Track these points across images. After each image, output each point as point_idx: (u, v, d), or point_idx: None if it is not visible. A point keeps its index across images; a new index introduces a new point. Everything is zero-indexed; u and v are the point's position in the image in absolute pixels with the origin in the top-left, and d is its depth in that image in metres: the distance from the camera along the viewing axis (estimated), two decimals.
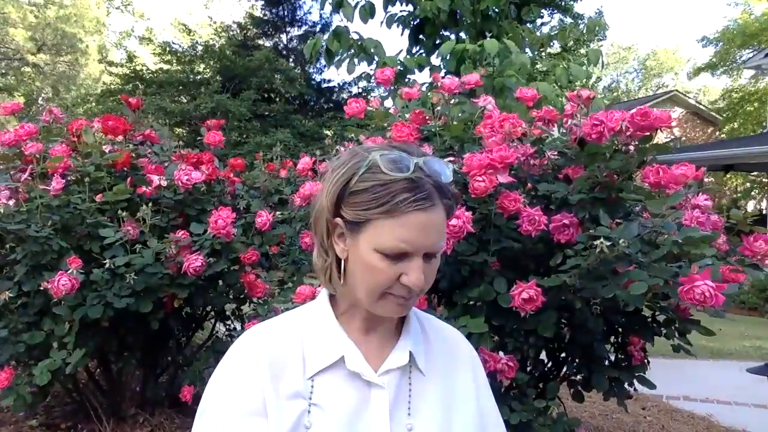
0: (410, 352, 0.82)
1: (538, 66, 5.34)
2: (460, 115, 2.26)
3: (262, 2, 16.82)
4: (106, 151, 2.66)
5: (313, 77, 16.56)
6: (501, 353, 1.69)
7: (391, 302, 0.77)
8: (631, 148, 1.77)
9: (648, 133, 1.72)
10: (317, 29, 16.02)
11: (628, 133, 1.71)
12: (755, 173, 15.50)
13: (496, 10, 4.30)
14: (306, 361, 0.79)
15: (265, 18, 16.97)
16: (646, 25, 63.85)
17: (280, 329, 0.83)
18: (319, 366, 0.78)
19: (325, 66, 15.68)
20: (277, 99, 15.38)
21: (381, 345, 0.83)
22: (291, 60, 16.50)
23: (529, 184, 1.94)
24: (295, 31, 16.92)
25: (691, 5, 65.80)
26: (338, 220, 0.77)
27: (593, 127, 1.72)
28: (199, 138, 3.17)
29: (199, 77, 15.35)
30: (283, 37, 17.05)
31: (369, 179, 0.74)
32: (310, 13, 16.35)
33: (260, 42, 16.83)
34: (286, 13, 16.76)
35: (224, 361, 0.80)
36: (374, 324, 0.83)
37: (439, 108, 2.17)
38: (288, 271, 2.67)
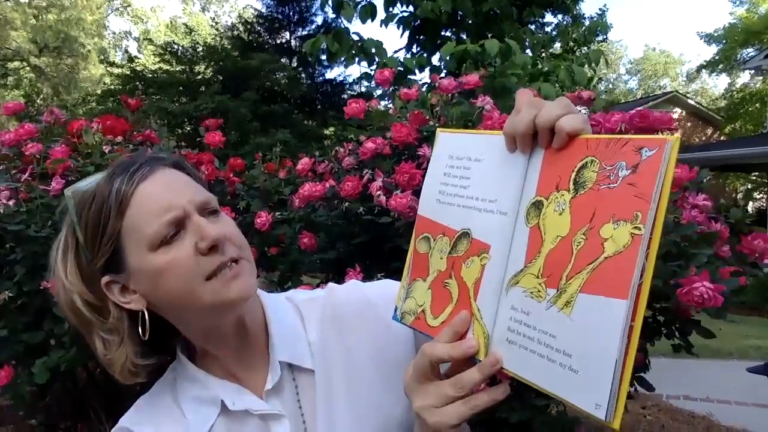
0: (281, 363, 0.70)
1: (538, 66, 5.36)
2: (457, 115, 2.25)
3: (266, 1, 16.80)
4: (106, 151, 2.66)
5: (315, 78, 16.56)
6: None
7: (221, 282, 0.62)
8: None
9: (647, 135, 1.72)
10: (322, 30, 16.02)
11: None
12: (755, 174, 15.48)
13: (498, 11, 4.31)
14: (195, 424, 0.68)
15: (270, 17, 16.95)
16: (645, 26, 63.87)
17: (153, 405, 0.72)
18: (208, 422, 0.68)
19: (327, 67, 15.72)
20: (278, 99, 15.37)
21: (260, 366, 0.71)
22: (295, 59, 16.48)
23: None
24: (301, 31, 16.91)
25: (689, 7, 65.84)
26: (105, 277, 0.65)
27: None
28: (199, 138, 3.17)
29: (199, 77, 15.35)
30: (287, 35, 17.03)
31: (84, 215, 0.64)
32: (316, 14, 16.25)
33: (264, 39, 16.79)
34: (291, 13, 16.73)
35: None
36: (239, 348, 0.71)
37: (437, 109, 2.17)
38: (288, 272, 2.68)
